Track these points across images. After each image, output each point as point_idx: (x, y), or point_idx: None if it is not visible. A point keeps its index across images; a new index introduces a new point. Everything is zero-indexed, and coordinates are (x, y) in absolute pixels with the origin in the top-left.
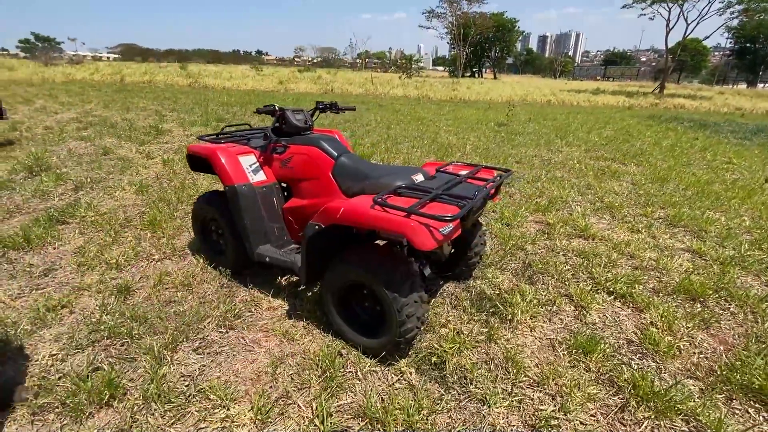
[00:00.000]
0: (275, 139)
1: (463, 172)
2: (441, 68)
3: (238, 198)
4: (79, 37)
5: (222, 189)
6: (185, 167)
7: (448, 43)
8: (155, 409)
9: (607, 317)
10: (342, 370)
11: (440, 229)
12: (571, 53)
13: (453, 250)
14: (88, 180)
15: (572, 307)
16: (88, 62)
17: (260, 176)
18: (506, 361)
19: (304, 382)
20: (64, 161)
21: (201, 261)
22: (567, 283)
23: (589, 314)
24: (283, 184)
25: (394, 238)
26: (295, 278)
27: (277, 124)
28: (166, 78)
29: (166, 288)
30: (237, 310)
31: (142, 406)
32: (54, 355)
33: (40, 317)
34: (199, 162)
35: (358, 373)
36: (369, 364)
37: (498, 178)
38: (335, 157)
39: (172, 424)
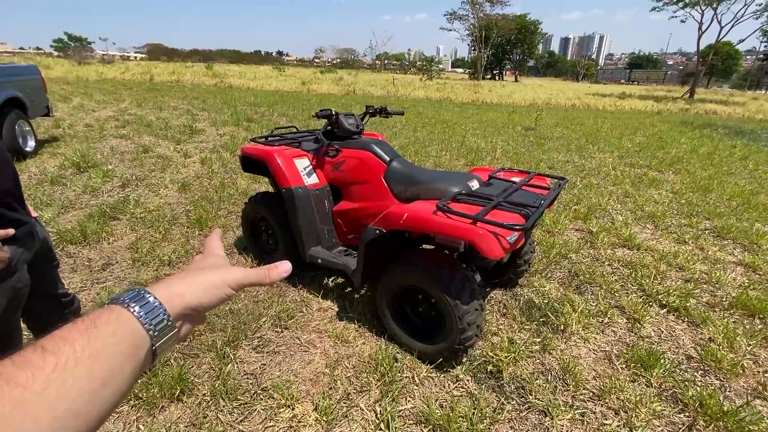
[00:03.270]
0: (327, 142)
1: (517, 179)
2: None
3: (294, 200)
4: (110, 37)
5: (271, 190)
6: (223, 166)
7: (468, 45)
8: (224, 406)
9: (662, 331)
10: (399, 374)
11: (507, 237)
12: (594, 56)
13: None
14: (133, 177)
15: (625, 320)
16: (118, 61)
17: (313, 179)
18: (563, 373)
19: (363, 385)
20: (108, 158)
21: (249, 260)
22: (617, 294)
23: (643, 327)
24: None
25: (452, 244)
26: (340, 280)
27: (329, 128)
28: (192, 78)
29: None
30: (289, 310)
31: (210, 402)
32: None
33: None
34: (252, 163)
35: (415, 378)
36: (425, 369)
37: (556, 186)
38: (387, 162)
39: (241, 421)
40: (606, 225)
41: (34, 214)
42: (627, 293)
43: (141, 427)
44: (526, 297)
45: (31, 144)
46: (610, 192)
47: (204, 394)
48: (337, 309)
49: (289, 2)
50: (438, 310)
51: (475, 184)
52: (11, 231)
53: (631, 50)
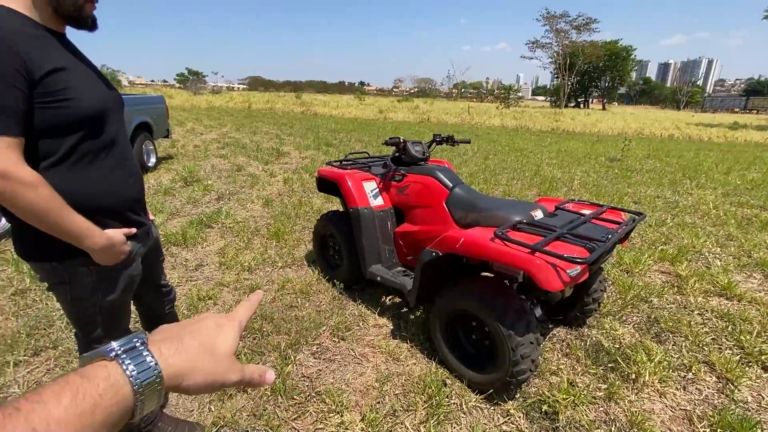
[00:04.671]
0: (394, 167)
1: (587, 212)
2: (541, 98)
3: (360, 219)
4: (220, 71)
5: (341, 210)
6: (302, 186)
7: (551, 72)
8: (281, 403)
9: (763, 397)
10: (447, 399)
11: (568, 271)
12: (700, 82)
13: (570, 293)
14: (227, 192)
15: (714, 378)
16: (224, 92)
17: (379, 201)
18: (630, 426)
19: (410, 404)
20: (209, 175)
21: (316, 272)
22: (706, 348)
23: (738, 390)
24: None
25: (510, 273)
26: (398, 299)
27: (397, 154)
28: (284, 106)
29: (288, 293)
30: (347, 323)
31: (270, 398)
32: None
33: (194, 304)
34: (327, 184)
35: (463, 406)
36: (474, 398)
37: (630, 222)
38: (450, 188)
39: (294, 419)
40: (699, 270)
41: (151, 217)
42: (720, 349)
43: (212, 408)
44: (593, 339)
45: (152, 160)
46: (708, 233)
47: (265, 389)
48: (391, 327)
49: (372, 36)
50: (491, 340)
51: (538, 214)
52: (133, 230)
53: (749, 75)
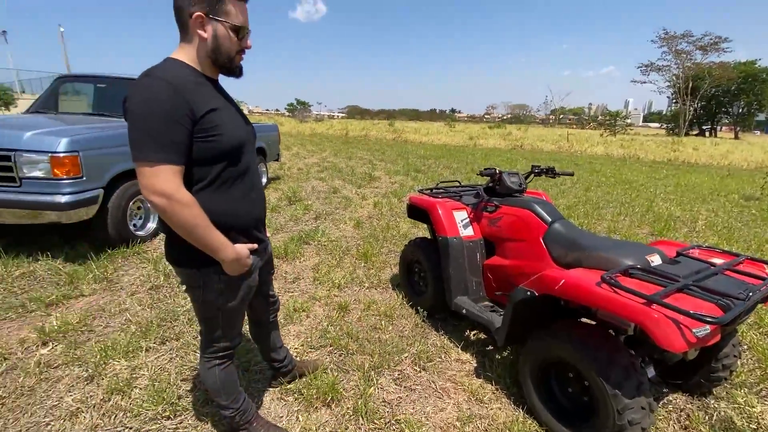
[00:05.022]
0: (487, 198)
1: (718, 261)
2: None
3: (448, 249)
4: (323, 101)
5: (429, 237)
6: (390, 210)
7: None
8: (361, 424)
9: None
10: None
11: (694, 330)
12: None
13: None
14: (323, 212)
15: None
16: (326, 120)
17: (469, 231)
18: None
19: None
20: (309, 195)
21: (401, 297)
22: None
23: None
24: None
25: (617, 324)
26: (483, 335)
27: (490, 184)
28: (377, 133)
29: (372, 314)
30: (429, 353)
31: (351, 417)
32: (296, 349)
33: (290, 314)
34: (417, 211)
35: None
36: None
37: None
38: (549, 223)
39: None
40: None
41: (268, 234)
42: None
43: (300, 418)
44: (721, 413)
45: (264, 180)
46: None
47: (348, 408)
48: (475, 364)
49: (467, 63)
50: (591, 396)
51: (655, 259)
52: (255, 246)
53: None
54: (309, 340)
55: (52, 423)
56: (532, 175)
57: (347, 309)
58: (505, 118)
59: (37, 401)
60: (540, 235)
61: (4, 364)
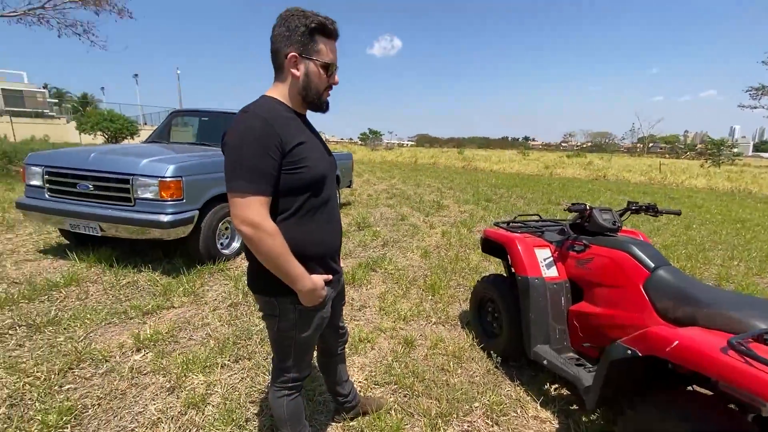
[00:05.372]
0: (575, 236)
1: None
2: None
3: (528, 290)
4: (394, 130)
5: (503, 274)
6: (459, 241)
7: None
8: None
9: None
10: None
11: None
12: None
13: None
14: (391, 239)
15: None
16: (396, 148)
17: (552, 272)
18: None
19: None
20: (378, 222)
21: (471, 336)
22: None
23: None
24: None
25: (747, 401)
26: (565, 390)
27: (578, 221)
28: (446, 161)
29: (440, 354)
30: (503, 405)
31: None
32: (361, 383)
33: (354, 344)
34: (492, 246)
35: None
36: None
37: None
38: (651, 269)
39: None
40: None
41: (342, 264)
42: None
43: None
44: None
45: None
46: None
47: None
48: (557, 425)
49: (540, 90)
50: None
51: None
52: (330, 277)
53: None
54: (373, 374)
55: (136, 430)
56: (629, 212)
57: (413, 344)
58: (584, 146)
59: (126, 406)
60: (640, 282)
61: (105, 366)
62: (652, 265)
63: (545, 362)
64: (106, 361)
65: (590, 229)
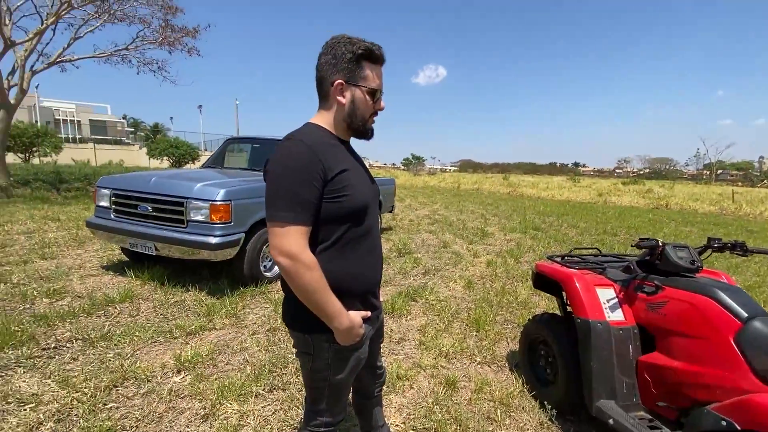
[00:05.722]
0: (644, 275)
1: None
2: None
3: (589, 335)
4: (437, 156)
5: (558, 313)
6: (506, 272)
7: None
8: None
9: None
10: None
11: None
12: None
13: None
14: (432, 267)
15: None
16: (439, 173)
17: (617, 315)
18: None
19: None
20: (419, 248)
21: (520, 382)
22: None
23: None
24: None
25: None
26: None
27: (647, 258)
28: (490, 186)
29: (485, 399)
30: None
31: None
32: (398, 426)
33: (392, 382)
34: (545, 281)
35: None
36: None
37: None
38: (745, 319)
39: None
40: None
41: (382, 299)
42: None
43: None
44: None
45: None
46: None
47: None
48: None
49: (590, 115)
50: None
51: None
52: (369, 313)
53: None
54: (412, 417)
55: None
56: (710, 250)
57: (455, 386)
58: (641, 172)
59: (162, 430)
60: (731, 334)
61: (146, 386)
62: (746, 314)
63: (610, 421)
64: (148, 380)
65: (663, 269)
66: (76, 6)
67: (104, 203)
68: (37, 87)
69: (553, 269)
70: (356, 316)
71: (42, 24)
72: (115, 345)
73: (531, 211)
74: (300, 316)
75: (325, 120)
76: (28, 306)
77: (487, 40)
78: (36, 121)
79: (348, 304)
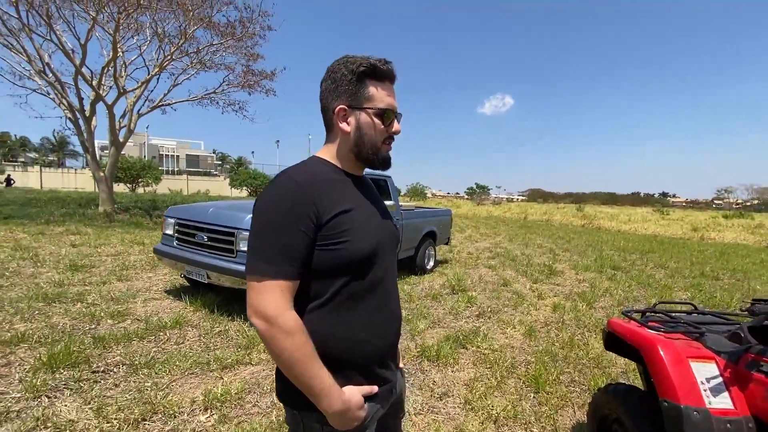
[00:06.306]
0: (760, 347)
1: None
2: None
3: (682, 426)
4: (502, 185)
5: (640, 386)
6: (576, 319)
7: None
8: None
9: None
10: None
11: None
12: None
13: None
14: (488, 309)
15: None
16: (504, 203)
17: (722, 401)
18: None
19: None
20: (475, 285)
21: None
22: None
23: None
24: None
25: None
26: None
27: (765, 323)
28: (562, 218)
29: None
30: None
31: None
32: None
33: None
34: (620, 343)
35: None
36: None
37: None
38: None
39: None
40: None
41: (401, 365)
42: None
43: None
44: None
45: (431, 264)
46: None
47: None
48: None
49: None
50: None
51: None
52: (375, 389)
53: None
54: None
55: None
56: None
57: None
58: (747, 204)
59: None
60: None
61: (171, 423)
62: None
63: None
64: (175, 416)
65: None
66: (175, 58)
67: (169, 231)
68: (147, 128)
69: (631, 331)
70: (355, 393)
71: (148, 74)
72: (155, 373)
73: (609, 246)
74: (287, 388)
75: (329, 153)
76: (93, 327)
77: (556, 65)
78: (144, 156)
79: (346, 377)
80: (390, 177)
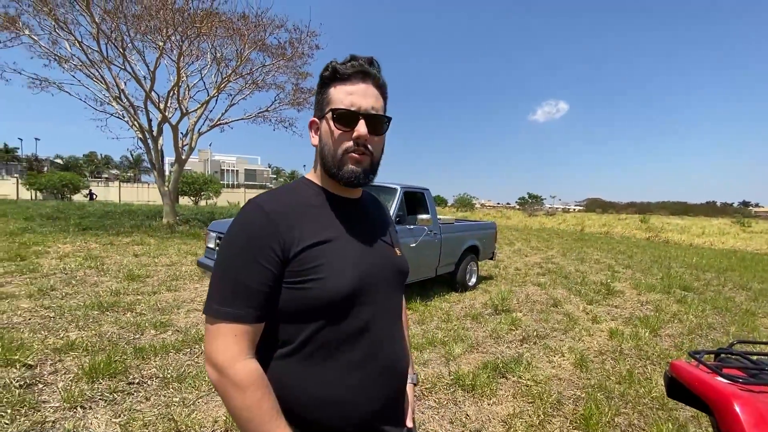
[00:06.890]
0: None
1: None
2: None
3: None
4: (557, 195)
5: None
6: (636, 348)
7: None
8: None
9: None
10: None
11: None
12: None
13: None
14: (534, 333)
15: None
16: (559, 214)
17: None
18: None
19: None
20: (521, 305)
21: None
22: None
23: None
24: None
25: None
26: None
27: None
28: (623, 230)
29: None
30: None
31: None
32: None
33: None
34: (686, 392)
35: None
36: None
37: None
38: None
39: None
40: None
41: (409, 424)
42: None
43: None
44: None
45: (473, 280)
46: None
47: None
48: None
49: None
50: None
51: None
52: None
53: None
54: None
55: None
56: None
57: None
58: None
59: None
60: None
61: None
62: None
63: None
64: None
65: None
66: (232, 80)
67: (211, 245)
68: (209, 145)
69: (699, 379)
70: None
71: (208, 95)
72: (185, 389)
73: (678, 263)
74: None
75: (315, 172)
76: (137, 336)
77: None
78: (207, 171)
79: None
80: (427, 189)
